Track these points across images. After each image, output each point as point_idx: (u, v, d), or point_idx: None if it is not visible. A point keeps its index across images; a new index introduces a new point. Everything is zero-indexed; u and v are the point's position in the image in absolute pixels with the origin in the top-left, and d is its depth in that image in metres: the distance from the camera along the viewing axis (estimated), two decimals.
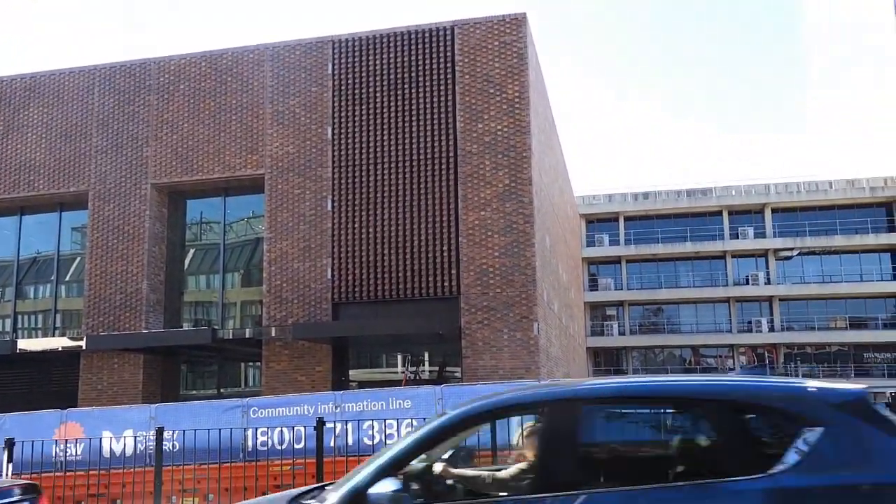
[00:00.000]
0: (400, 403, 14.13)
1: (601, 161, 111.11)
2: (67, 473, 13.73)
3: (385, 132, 20.33)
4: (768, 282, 54.15)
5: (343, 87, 20.73)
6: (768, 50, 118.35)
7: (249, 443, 13.96)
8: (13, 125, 22.45)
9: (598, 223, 57.45)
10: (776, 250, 54.59)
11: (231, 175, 21.13)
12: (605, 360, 55.75)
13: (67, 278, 22.84)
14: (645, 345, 55.48)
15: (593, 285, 55.70)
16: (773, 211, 55.49)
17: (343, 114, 20.61)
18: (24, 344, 20.49)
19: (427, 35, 20.57)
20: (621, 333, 55.27)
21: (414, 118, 20.26)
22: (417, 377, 20.38)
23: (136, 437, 14.29)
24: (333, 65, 20.88)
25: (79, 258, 22.66)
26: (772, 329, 53.13)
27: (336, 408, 14.18)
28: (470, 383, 16.78)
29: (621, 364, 55.46)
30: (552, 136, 26.68)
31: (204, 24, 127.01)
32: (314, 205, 20.36)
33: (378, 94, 20.52)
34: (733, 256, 55.17)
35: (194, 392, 22.27)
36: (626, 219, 57.17)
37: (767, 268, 54.76)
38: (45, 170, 22.09)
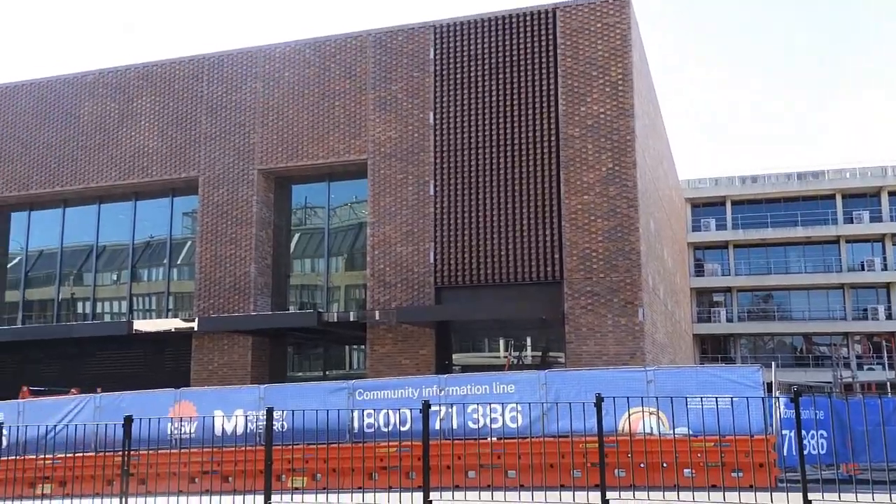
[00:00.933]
0: (504, 388, 14.04)
1: (706, 144, 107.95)
2: (182, 451, 14.21)
3: (487, 116, 20.18)
4: (885, 268, 51.42)
5: (445, 72, 20.67)
6: (877, 28, 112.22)
7: (356, 424, 14.15)
8: (128, 113, 23.32)
9: (704, 207, 55.71)
10: (893, 235, 51.82)
11: (335, 160, 21.40)
12: (712, 348, 54.13)
13: (179, 261, 23.67)
14: (754, 332, 53.58)
15: (699, 271, 54.10)
16: (891, 194, 52.68)
17: (445, 99, 20.56)
18: (140, 325, 21.33)
19: (528, 18, 20.29)
20: (729, 320, 53.53)
21: (515, 102, 20.04)
22: (520, 362, 20.24)
23: (246, 417, 14.68)
24: (435, 50, 20.84)
25: (189, 242, 23.43)
26: (889, 317, 50.48)
27: (440, 391, 14.19)
28: (575, 368, 16.54)
29: (729, 351, 53.77)
30: (656, 119, 25.96)
31: (305, 9, 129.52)
32: (416, 189, 20.41)
33: (479, 79, 20.38)
34: (847, 241, 52.64)
35: (300, 374, 22.75)
36: (734, 203, 55.27)
37: (884, 253, 52.02)
38: (157, 156, 22.89)
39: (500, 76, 20.25)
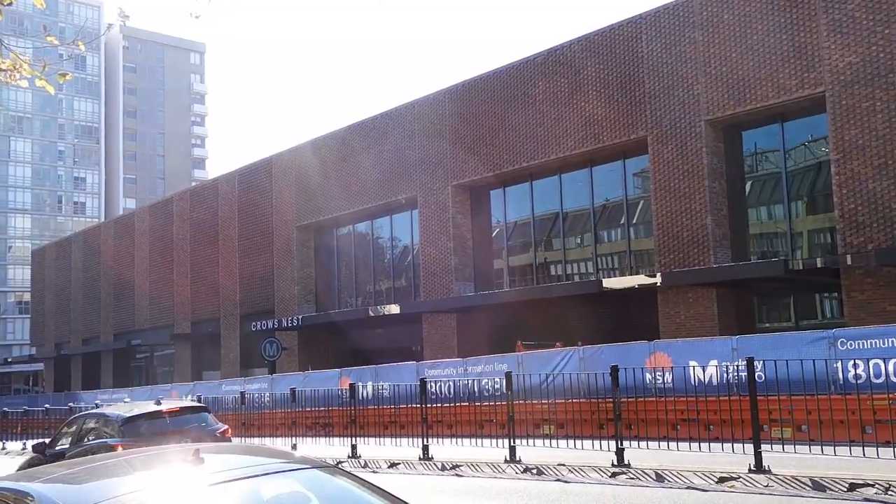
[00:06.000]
0: None
1: None
2: (659, 398, 14.95)
3: None
4: None
5: None
6: None
7: (840, 375, 13.48)
8: (576, 85, 24.63)
9: None
10: None
11: (787, 99, 20.28)
12: None
13: (635, 220, 24.53)
14: None
15: None
16: None
17: None
18: (608, 283, 22.58)
19: None
20: None
21: None
22: None
23: (721, 367, 14.89)
24: None
25: (642, 201, 24.13)
26: None
27: None
28: None
29: None
30: None
31: None
32: (888, 116, 18.46)
33: None
34: None
35: (768, 325, 22.11)
36: None
37: None
38: (606, 122, 23.88)
39: None
